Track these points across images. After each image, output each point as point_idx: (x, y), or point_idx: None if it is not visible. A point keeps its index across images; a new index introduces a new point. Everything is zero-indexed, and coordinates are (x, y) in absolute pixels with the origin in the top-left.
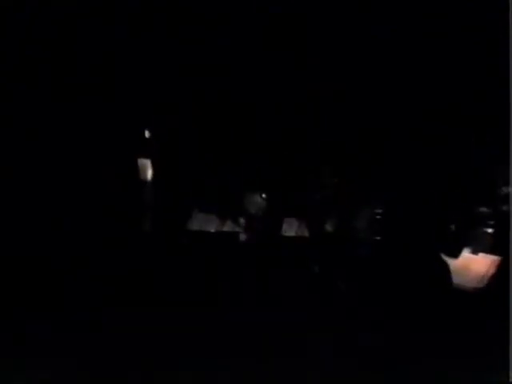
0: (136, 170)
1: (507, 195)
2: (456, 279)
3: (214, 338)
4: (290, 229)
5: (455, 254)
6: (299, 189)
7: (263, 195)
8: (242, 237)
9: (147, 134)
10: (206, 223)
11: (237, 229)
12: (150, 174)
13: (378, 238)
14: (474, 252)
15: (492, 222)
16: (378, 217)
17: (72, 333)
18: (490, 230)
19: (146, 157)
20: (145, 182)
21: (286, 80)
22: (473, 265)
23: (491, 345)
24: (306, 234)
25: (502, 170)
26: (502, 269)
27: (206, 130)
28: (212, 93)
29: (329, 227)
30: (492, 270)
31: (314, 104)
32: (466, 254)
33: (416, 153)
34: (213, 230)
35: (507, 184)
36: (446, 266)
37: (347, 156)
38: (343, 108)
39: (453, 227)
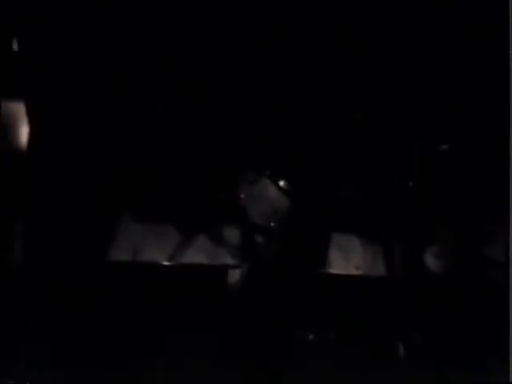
0: None
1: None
2: None
3: None
4: (344, 259)
5: None
6: (363, 169)
7: (282, 183)
8: (235, 275)
9: None
10: (150, 245)
11: (222, 258)
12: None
13: None
14: None
15: None
16: None
17: None
18: None
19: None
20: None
21: None
22: None
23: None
24: (382, 269)
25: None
26: (501, 269)
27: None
28: None
29: (433, 257)
30: None
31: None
32: None
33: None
34: (165, 261)
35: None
36: None
37: None
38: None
39: None
